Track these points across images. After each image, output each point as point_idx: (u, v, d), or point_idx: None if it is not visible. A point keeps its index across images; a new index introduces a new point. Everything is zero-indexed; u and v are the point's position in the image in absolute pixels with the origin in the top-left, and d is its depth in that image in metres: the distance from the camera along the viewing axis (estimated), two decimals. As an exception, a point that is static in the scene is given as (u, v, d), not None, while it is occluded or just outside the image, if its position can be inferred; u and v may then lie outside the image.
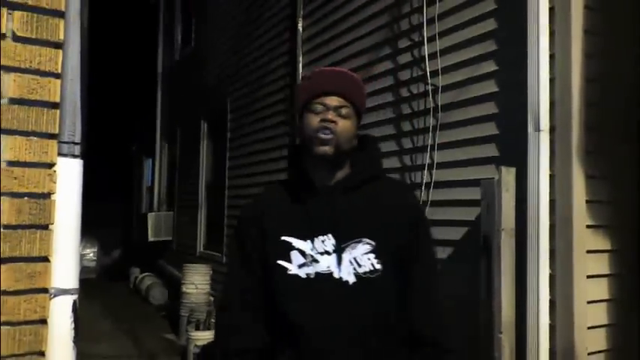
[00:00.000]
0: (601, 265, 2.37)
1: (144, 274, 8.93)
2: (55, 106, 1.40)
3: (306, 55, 4.43)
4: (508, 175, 2.33)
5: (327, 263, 1.35)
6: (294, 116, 4.39)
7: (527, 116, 2.34)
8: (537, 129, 2.31)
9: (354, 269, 1.35)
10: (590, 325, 2.27)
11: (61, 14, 1.41)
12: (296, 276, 1.36)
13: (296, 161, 1.48)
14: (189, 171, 7.69)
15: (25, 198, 1.35)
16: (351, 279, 1.34)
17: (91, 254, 7.66)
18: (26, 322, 1.34)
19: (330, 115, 1.37)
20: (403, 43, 3.24)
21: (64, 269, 1.40)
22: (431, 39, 2.96)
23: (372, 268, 1.35)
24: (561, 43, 2.31)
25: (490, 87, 2.66)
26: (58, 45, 1.40)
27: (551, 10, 2.34)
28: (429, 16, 2.98)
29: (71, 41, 1.43)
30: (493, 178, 2.35)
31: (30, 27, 1.36)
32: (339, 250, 1.36)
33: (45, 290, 1.37)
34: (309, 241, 1.38)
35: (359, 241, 1.37)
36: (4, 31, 1.34)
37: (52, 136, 1.39)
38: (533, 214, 2.29)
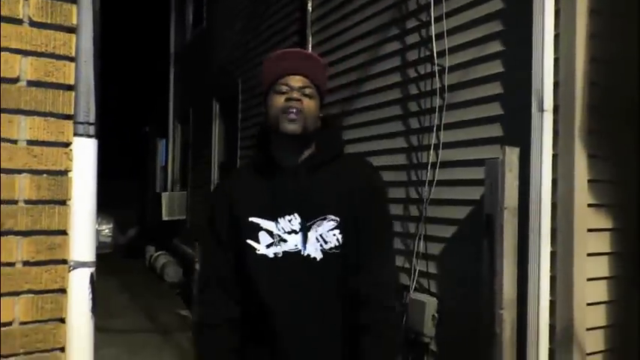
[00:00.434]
0: (602, 243, 2.40)
1: (159, 253, 9.13)
2: (70, 88, 1.46)
3: (315, 36, 4.44)
4: (512, 154, 2.36)
5: (294, 242, 1.40)
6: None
7: (531, 97, 2.36)
8: (541, 109, 2.32)
9: (321, 246, 1.39)
10: (589, 301, 2.31)
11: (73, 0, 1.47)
12: (264, 256, 1.40)
13: (264, 142, 1.50)
14: (202, 151, 7.75)
15: (44, 175, 1.42)
16: (319, 255, 1.39)
17: (107, 230, 7.81)
18: (47, 291, 1.42)
19: (296, 94, 1.38)
20: (411, 24, 3.25)
21: (82, 243, 1.47)
22: (438, 19, 2.97)
23: (337, 244, 1.39)
24: (566, 23, 2.31)
25: (496, 67, 2.67)
26: (71, 29, 1.46)
27: (557, -11, 2.34)
28: (436, -4, 2.98)
29: (84, 25, 1.47)
30: (497, 158, 2.38)
31: (45, 12, 1.42)
32: (305, 229, 1.39)
33: (64, 262, 1.45)
34: (276, 220, 1.41)
35: (324, 218, 1.40)
36: (21, 16, 1.40)
37: (67, 117, 1.46)
38: (535, 193, 2.32)
